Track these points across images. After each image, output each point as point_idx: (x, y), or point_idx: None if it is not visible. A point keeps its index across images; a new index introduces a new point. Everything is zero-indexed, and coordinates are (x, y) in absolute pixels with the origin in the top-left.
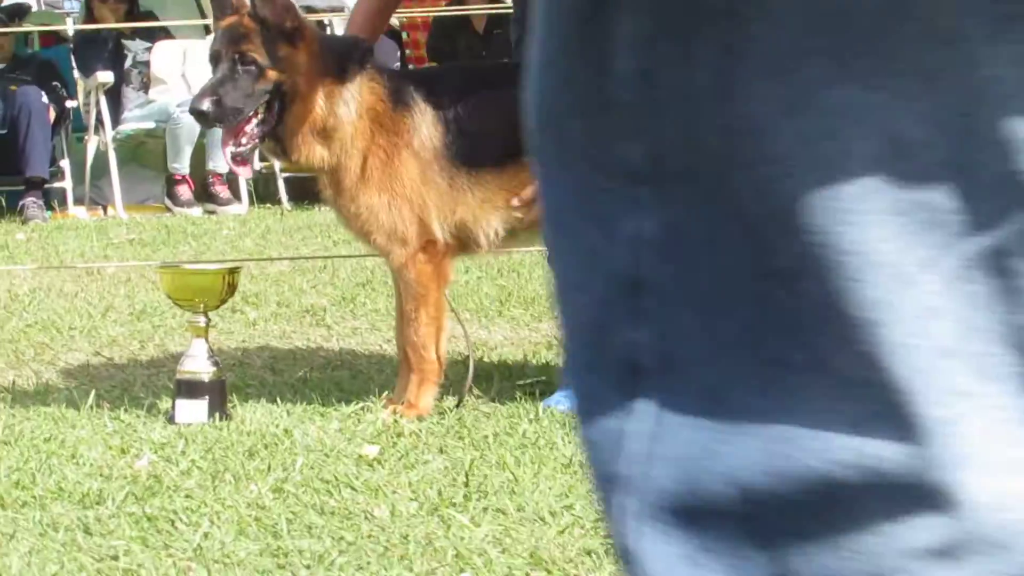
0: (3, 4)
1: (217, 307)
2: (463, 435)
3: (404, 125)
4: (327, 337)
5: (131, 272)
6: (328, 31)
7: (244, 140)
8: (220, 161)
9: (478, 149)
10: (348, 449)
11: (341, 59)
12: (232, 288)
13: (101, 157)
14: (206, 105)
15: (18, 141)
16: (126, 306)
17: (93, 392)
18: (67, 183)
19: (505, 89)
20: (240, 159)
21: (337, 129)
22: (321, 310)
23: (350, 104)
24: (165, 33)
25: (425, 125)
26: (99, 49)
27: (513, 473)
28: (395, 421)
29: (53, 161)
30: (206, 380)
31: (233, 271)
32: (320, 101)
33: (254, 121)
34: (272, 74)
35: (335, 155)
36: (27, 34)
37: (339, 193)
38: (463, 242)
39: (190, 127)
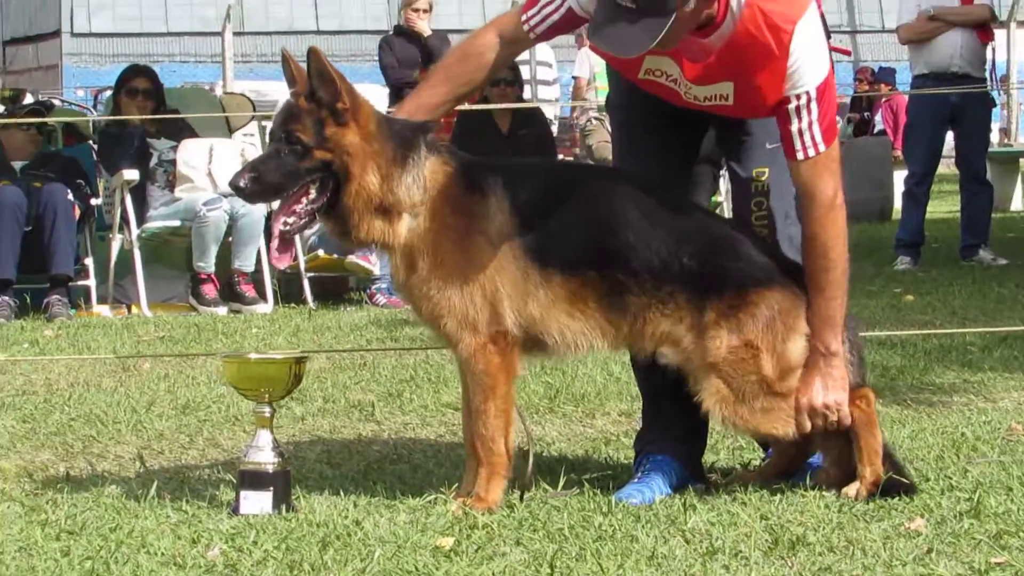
0: (24, 103)
1: (283, 397)
2: (537, 527)
3: (478, 210)
4: (378, 432)
5: (168, 367)
6: None
7: (292, 219)
8: (246, 260)
9: (550, 247)
10: (422, 540)
11: (403, 139)
12: (299, 379)
13: (125, 255)
14: (244, 181)
15: (43, 238)
16: (168, 401)
17: (155, 483)
18: (91, 281)
19: (582, 190)
20: (286, 239)
21: (400, 207)
22: (369, 405)
23: (416, 184)
24: (191, 132)
25: (501, 213)
26: (124, 147)
27: (599, 564)
28: (465, 513)
29: (77, 259)
30: (271, 471)
31: (300, 361)
32: (374, 180)
33: (304, 200)
34: (318, 153)
35: (402, 234)
36: (50, 132)
37: (410, 275)
38: (529, 340)
39: (216, 225)
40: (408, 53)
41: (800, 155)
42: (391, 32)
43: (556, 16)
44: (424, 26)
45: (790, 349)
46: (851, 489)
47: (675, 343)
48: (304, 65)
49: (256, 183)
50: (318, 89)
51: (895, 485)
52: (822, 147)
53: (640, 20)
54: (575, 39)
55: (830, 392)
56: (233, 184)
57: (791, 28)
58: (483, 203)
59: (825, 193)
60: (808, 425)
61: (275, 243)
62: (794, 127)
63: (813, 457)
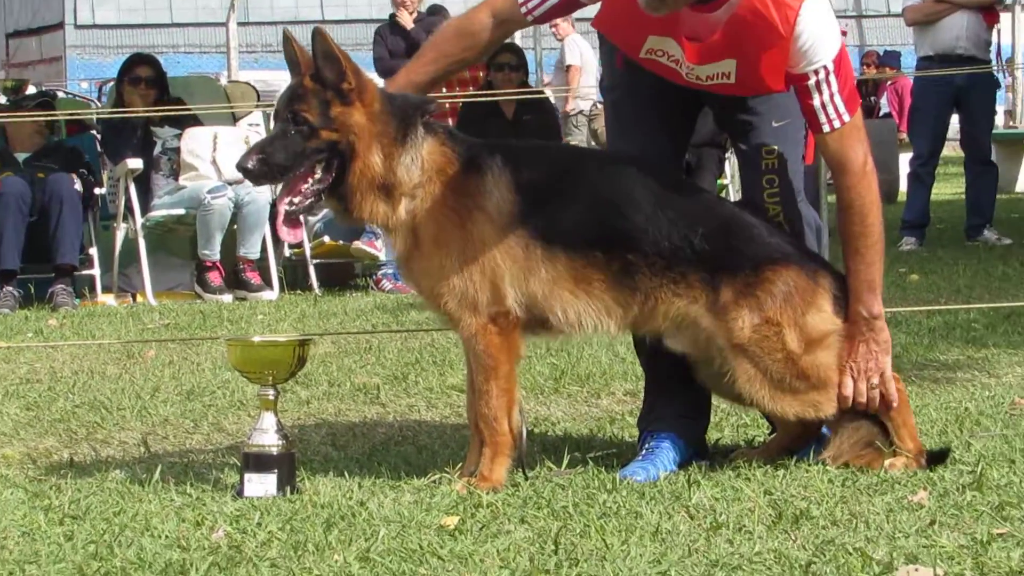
0: (28, 93)
1: (286, 380)
2: (542, 505)
3: (476, 188)
4: (384, 414)
5: (173, 354)
6: None
7: (297, 199)
8: (251, 247)
9: (554, 227)
10: (427, 520)
11: (403, 118)
12: (302, 361)
13: (129, 244)
14: (252, 163)
15: (49, 228)
16: (173, 387)
17: (159, 467)
18: (96, 271)
19: (584, 171)
20: (292, 218)
21: (400, 187)
22: (374, 388)
23: (415, 163)
24: (194, 120)
25: (499, 190)
26: (128, 136)
27: (603, 540)
28: (470, 493)
29: (81, 249)
30: (275, 453)
31: (304, 343)
32: (377, 159)
33: (310, 180)
34: (324, 134)
35: (402, 213)
36: (54, 122)
37: (411, 254)
38: (533, 320)
39: (221, 213)
40: (397, 45)
41: (826, 128)
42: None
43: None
44: (407, 19)
45: (811, 322)
46: (898, 462)
47: (693, 324)
48: (308, 48)
49: (263, 164)
50: (323, 69)
51: (939, 454)
52: (847, 116)
53: None
54: (550, 27)
55: (876, 355)
56: (240, 165)
57: (797, 6)
58: (480, 180)
59: (856, 161)
60: (852, 390)
61: (280, 221)
62: (816, 101)
63: (818, 436)
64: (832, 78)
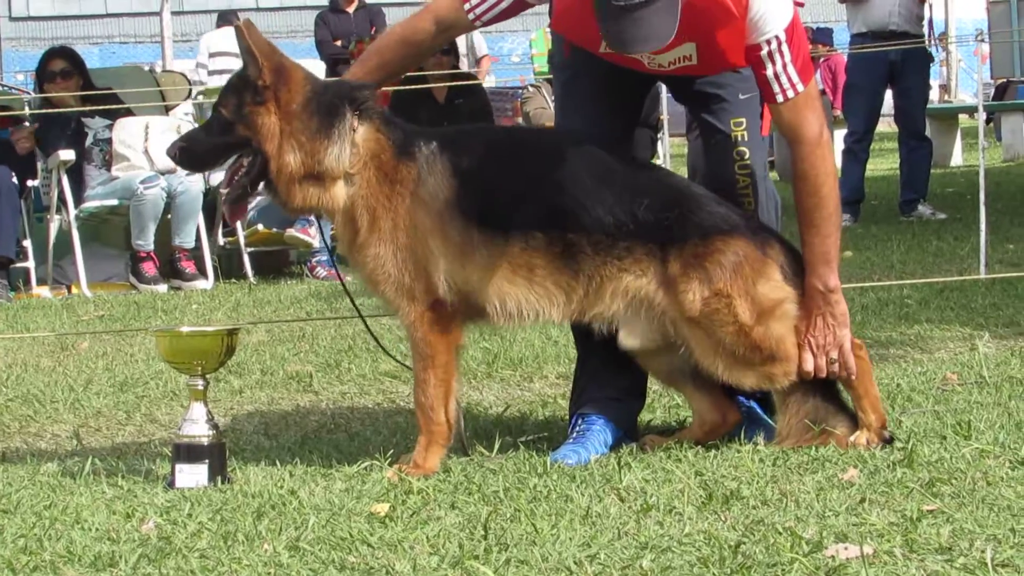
0: None
1: (215, 369)
2: (472, 491)
3: (409, 175)
4: (316, 402)
5: (107, 346)
6: None
7: (227, 189)
8: (185, 237)
9: (490, 209)
10: (357, 507)
11: (329, 111)
12: (231, 350)
13: (63, 236)
14: (173, 150)
15: None
16: (107, 379)
17: (90, 460)
18: (30, 263)
19: (523, 152)
20: (232, 205)
21: (331, 173)
22: (307, 376)
23: (345, 152)
24: (126, 110)
25: (434, 176)
26: (60, 128)
27: (533, 525)
28: (401, 480)
29: (16, 241)
30: (206, 444)
31: (232, 333)
32: (291, 158)
33: (241, 172)
34: (240, 129)
35: (340, 198)
36: None
37: (348, 242)
38: (472, 307)
39: (154, 203)
40: (343, 27)
41: (780, 98)
42: (327, 8)
43: (504, 3)
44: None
45: (761, 292)
46: (861, 437)
47: (644, 302)
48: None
49: (184, 152)
50: (248, 65)
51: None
52: (800, 87)
53: (652, 6)
54: None
55: (834, 329)
56: (168, 152)
57: None
58: (414, 166)
59: (811, 131)
60: (812, 365)
61: (225, 209)
62: (769, 72)
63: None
64: (785, 48)
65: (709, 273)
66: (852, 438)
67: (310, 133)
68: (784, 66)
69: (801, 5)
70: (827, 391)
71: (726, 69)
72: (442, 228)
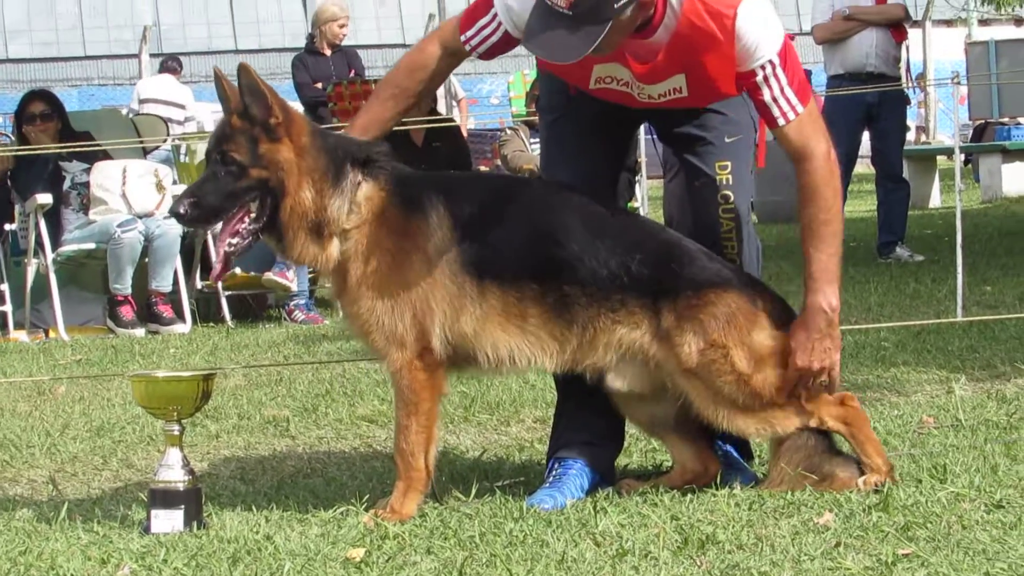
0: None
1: (192, 414)
2: (448, 536)
3: (418, 229)
4: (293, 447)
5: (84, 390)
6: None
7: (236, 240)
8: (163, 280)
9: (487, 260)
10: (333, 552)
11: (335, 157)
12: (207, 395)
13: (41, 279)
14: (183, 207)
15: None
16: (83, 423)
17: (66, 505)
18: (7, 307)
19: (523, 202)
20: (228, 260)
21: (330, 225)
22: (284, 421)
23: (347, 203)
24: (103, 154)
25: (442, 230)
26: (37, 171)
27: (509, 570)
28: (377, 525)
29: None
30: (181, 489)
31: (208, 378)
32: (308, 195)
33: (247, 220)
34: (255, 172)
35: (333, 255)
36: None
37: (343, 292)
38: (462, 355)
39: (132, 246)
40: (322, 70)
41: (781, 120)
42: (304, 50)
43: (494, 38)
44: (325, 47)
45: (756, 340)
46: (871, 478)
47: (639, 353)
48: (236, 83)
49: (196, 208)
50: (251, 106)
51: None
52: (800, 108)
53: (578, 28)
54: None
55: (828, 354)
56: (173, 212)
57: (732, 12)
58: (424, 221)
59: (820, 147)
60: (807, 388)
61: (219, 264)
62: (767, 96)
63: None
64: (779, 71)
65: (704, 325)
66: (861, 480)
67: (320, 172)
68: (781, 89)
69: (792, 38)
70: (820, 433)
71: (716, 100)
72: (442, 280)
